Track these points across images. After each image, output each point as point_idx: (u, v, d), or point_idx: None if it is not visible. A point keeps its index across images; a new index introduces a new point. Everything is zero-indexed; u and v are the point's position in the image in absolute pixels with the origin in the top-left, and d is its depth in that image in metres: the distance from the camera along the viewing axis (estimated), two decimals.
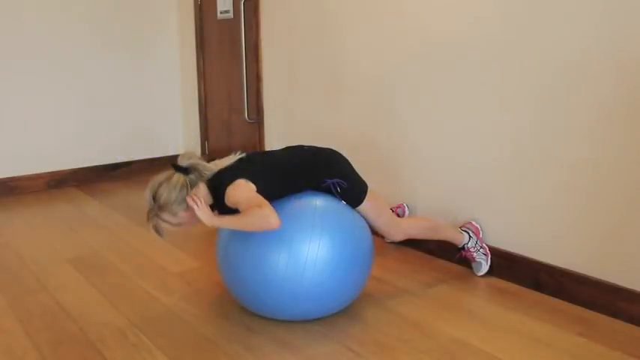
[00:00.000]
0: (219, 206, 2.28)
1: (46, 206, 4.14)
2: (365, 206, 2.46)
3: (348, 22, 3.42)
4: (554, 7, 2.43)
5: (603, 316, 2.38)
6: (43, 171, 4.57)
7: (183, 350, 2.18)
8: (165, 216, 2.24)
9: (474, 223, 2.83)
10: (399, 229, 2.59)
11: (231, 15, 4.43)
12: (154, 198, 2.22)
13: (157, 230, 2.28)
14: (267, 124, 4.20)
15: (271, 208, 2.12)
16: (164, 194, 2.20)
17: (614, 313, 2.36)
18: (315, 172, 2.39)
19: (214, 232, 3.47)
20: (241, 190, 2.18)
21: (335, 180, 2.39)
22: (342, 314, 2.43)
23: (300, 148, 2.50)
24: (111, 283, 2.81)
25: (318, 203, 2.30)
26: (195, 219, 2.25)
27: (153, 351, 2.17)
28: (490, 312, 2.44)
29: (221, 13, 4.54)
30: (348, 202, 2.43)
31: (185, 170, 2.23)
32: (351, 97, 3.48)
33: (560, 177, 2.50)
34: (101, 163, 4.83)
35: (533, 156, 2.59)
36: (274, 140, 4.13)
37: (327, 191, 2.40)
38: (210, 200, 2.29)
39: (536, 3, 2.49)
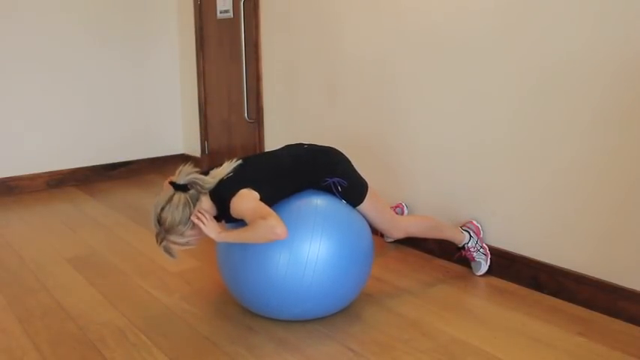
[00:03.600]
0: (225, 216, 2.28)
1: (45, 206, 4.13)
2: (365, 205, 2.46)
3: (347, 21, 3.42)
4: (554, 6, 2.43)
5: (603, 316, 2.38)
6: (42, 171, 4.57)
7: (183, 350, 2.18)
8: (173, 238, 2.23)
9: (474, 222, 2.83)
10: (399, 227, 2.59)
11: (231, 15, 4.43)
12: (159, 222, 2.21)
13: (168, 252, 2.28)
14: (267, 124, 4.20)
15: (277, 217, 2.12)
16: (168, 217, 2.19)
17: (614, 313, 2.36)
18: (316, 171, 2.39)
19: None
20: (246, 201, 2.18)
21: (335, 179, 2.39)
22: (342, 314, 2.43)
23: (300, 146, 2.50)
24: (111, 283, 2.80)
25: (318, 203, 2.30)
26: (202, 234, 2.26)
27: (153, 351, 2.17)
28: (490, 312, 2.44)
29: (221, 12, 4.54)
30: (348, 201, 2.43)
31: (184, 188, 2.22)
32: (350, 96, 3.47)
33: (560, 177, 2.50)
34: (101, 163, 4.83)
35: (532, 156, 2.59)
36: (274, 140, 4.13)
37: (328, 190, 2.40)
38: (214, 212, 2.28)
39: (536, 3, 2.49)
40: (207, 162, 5.02)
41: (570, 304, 2.49)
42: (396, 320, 2.38)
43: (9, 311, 2.51)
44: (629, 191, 2.29)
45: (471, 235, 2.76)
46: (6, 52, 4.31)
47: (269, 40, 4.06)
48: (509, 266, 2.73)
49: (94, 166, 4.79)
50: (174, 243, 2.25)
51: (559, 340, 2.20)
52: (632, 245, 2.31)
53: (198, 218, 2.19)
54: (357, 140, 3.45)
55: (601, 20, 2.29)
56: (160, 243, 2.26)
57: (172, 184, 2.23)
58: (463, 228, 2.80)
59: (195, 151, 5.13)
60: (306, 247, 2.20)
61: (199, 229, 2.22)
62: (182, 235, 2.23)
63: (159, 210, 2.20)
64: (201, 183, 2.22)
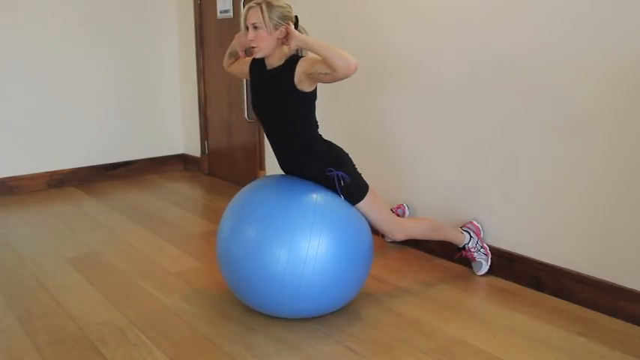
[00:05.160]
0: (284, 74, 2.33)
1: (45, 206, 4.14)
2: (365, 205, 2.46)
3: (347, 21, 3.42)
4: (555, 5, 2.43)
5: (603, 315, 2.38)
6: (43, 171, 4.57)
7: (183, 350, 2.18)
8: (265, 11, 2.30)
9: (475, 222, 2.83)
10: (399, 229, 2.59)
11: (231, 14, 4.43)
12: None
13: (245, 16, 2.35)
14: None
15: None
16: (281, 1, 2.34)
17: (614, 313, 2.36)
18: (327, 157, 2.42)
19: (214, 231, 3.47)
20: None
21: (340, 172, 2.39)
22: (342, 314, 2.43)
23: (321, 136, 2.54)
24: (111, 282, 2.80)
25: (318, 200, 2.30)
26: (270, 43, 2.32)
27: (153, 351, 2.17)
28: (490, 312, 2.44)
29: (221, 12, 4.54)
30: (348, 198, 2.42)
31: (296, 19, 2.38)
32: (350, 96, 3.47)
33: (560, 177, 2.50)
34: (101, 163, 4.83)
35: (533, 156, 2.59)
36: None
37: (330, 183, 2.39)
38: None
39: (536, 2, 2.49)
40: (207, 162, 5.02)
41: (570, 304, 2.49)
42: (396, 320, 2.38)
43: (9, 311, 2.51)
44: (629, 191, 2.29)
45: (471, 236, 2.76)
46: (6, 53, 4.31)
47: None
48: (509, 266, 2.73)
49: (94, 166, 4.80)
50: (259, 13, 2.30)
51: (559, 340, 2.20)
52: (632, 245, 2.30)
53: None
54: (357, 140, 3.44)
55: (598, 18, 2.29)
56: (251, 3, 2.33)
57: (296, 17, 2.38)
58: (463, 228, 2.80)
59: (196, 151, 5.13)
60: (306, 244, 2.20)
61: (275, 37, 2.30)
62: (271, 17, 2.29)
63: None
64: (304, 35, 2.35)
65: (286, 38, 2.32)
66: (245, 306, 2.49)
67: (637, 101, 2.22)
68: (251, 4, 2.33)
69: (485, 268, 2.78)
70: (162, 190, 4.55)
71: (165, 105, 5.14)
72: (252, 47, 2.35)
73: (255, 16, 2.31)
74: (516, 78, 2.60)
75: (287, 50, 2.36)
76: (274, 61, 2.38)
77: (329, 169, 2.38)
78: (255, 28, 2.31)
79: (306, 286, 2.21)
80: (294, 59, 2.33)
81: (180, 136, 5.27)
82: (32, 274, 2.91)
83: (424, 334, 2.27)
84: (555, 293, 2.56)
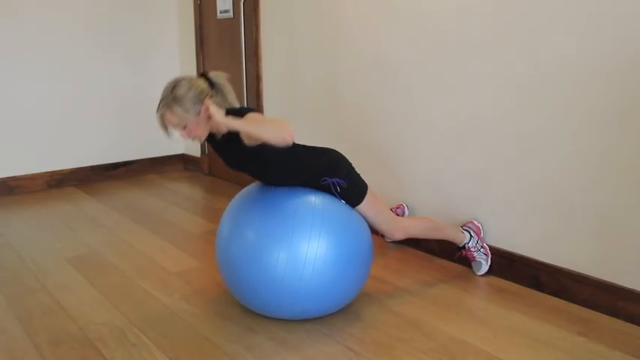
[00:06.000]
0: (233, 141, 2.23)
1: (45, 206, 4.14)
2: (364, 206, 2.46)
3: (347, 22, 3.42)
4: (555, 5, 2.43)
5: (603, 315, 2.38)
6: (43, 171, 4.57)
7: (183, 350, 2.18)
8: (177, 109, 2.17)
9: (475, 222, 2.83)
10: (399, 228, 2.59)
11: (231, 15, 4.43)
12: (173, 88, 2.18)
13: (162, 122, 2.23)
14: None
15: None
16: (184, 88, 2.17)
17: (614, 313, 2.36)
18: (316, 171, 2.38)
19: (214, 231, 3.47)
20: (257, 114, 2.19)
21: (335, 179, 2.38)
22: (342, 314, 2.43)
23: (303, 146, 2.51)
24: (111, 283, 2.81)
25: (317, 202, 2.30)
26: (201, 128, 2.20)
27: (153, 351, 2.17)
28: (490, 312, 2.44)
29: (221, 12, 4.54)
30: (347, 202, 2.43)
31: (212, 83, 2.22)
32: (350, 96, 3.47)
33: (560, 177, 2.50)
34: (101, 163, 4.83)
35: (532, 156, 2.59)
36: None
37: (327, 190, 2.39)
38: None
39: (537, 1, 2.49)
40: (207, 162, 5.02)
41: (570, 304, 2.49)
42: (396, 320, 2.38)
43: (9, 311, 2.51)
44: (629, 191, 2.29)
45: (471, 235, 2.76)
46: (6, 53, 4.31)
47: (269, 40, 4.06)
48: (509, 266, 2.73)
49: (94, 166, 4.80)
50: (174, 114, 2.18)
51: (559, 340, 2.20)
52: (632, 245, 2.31)
53: (210, 104, 2.10)
54: (357, 140, 3.45)
55: (596, 19, 2.29)
56: (160, 109, 2.20)
57: (203, 74, 2.23)
58: (463, 228, 2.80)
59: (196, 151, 5.13)
60: (305, 245, 2.20)
61: (203, 119, 2.18)
62: (186, 111, 2.17)
63: (180, 79, 2.19)
64: (226, 93, 2.22)
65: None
66: (245, 306, 2.49)
67: (637, 101, 2.22)
68: (160, 110, 2.21)
69: (485, 268, 2.78)
70: (162, 190, 4.55)
71: None
72: (192, 139, 2.28)
73: (172, 119, 2.20)
74: (516, 78, 2.60)
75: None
76: (218, 129, 2.24)
77: (323, 179, 2.38)
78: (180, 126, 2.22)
79: (306, 287, 2.21)
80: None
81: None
82: (32, 274, 2.91)
83: (424, 334, 2.27)
84: (555, 293, 2.56)
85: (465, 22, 2.79)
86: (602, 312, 2.40)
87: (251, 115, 2.15)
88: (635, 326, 2.29)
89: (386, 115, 3.27)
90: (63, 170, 4.66)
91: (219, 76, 2.27)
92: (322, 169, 2.38)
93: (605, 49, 2.29)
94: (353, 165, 2.52)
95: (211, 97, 2.23)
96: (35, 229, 3.62)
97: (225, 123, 2.05)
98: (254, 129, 2.06)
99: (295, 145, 2.44)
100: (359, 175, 2.50)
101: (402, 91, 3.16)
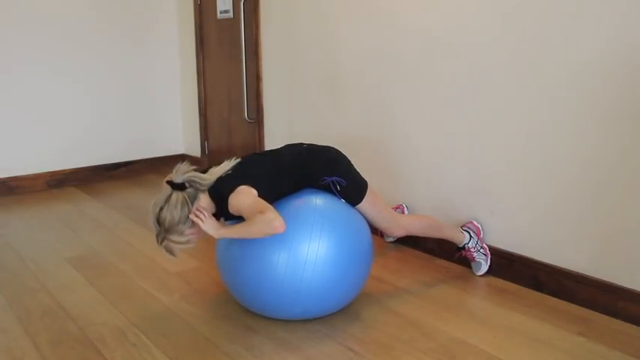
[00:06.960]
0: (224, 213, 2.28)
1: (46, 206, 4.14)
2: (364, 204, 2.46)
3: (347, 22, 3.42)
4: (555, 5, 2.43)
5: (603, 315, 2.38)
6: (43, 171, 4.57)
7: (183, 350, 2.18)
8: (174, 237, 2.23)
9: (475, 222, 2.83)
10: (399, 225, 2.60)
11: (231, 15, 4.43)
12: (159, 222, 2.20)
13: (170, 251, 2.27)
14: (267, 124, 4.20)
15: (275, 211, 2.12)
16: (167, 217, 2.18)
17: (614, 313, 2.36)
18: (315, 170, 2.38)
19: None
20: (244, 197, 2.18)
21: (334, 178, 2.39)
22: (342, 314, 2.43)
23: (300, 145, 2.51)
24: (111, 283, 2.81)
25: (318, 202, 2.30)
26: (202, 233, 2.26)
27: (153, 351, 2.18)
28: (490, 312, 2.44)
29: (221, 12, 4.54)
30: (347, 201, 2.43)
31: (182, 186, 2.21)
32: (350, 96, 3.48)
33: (560, 177, 2.50)
34: (101, 163, 4.83)
35: (532, 156, 2.59)
36: (274, 140, 4.13)
37: (327, 189, 2.40)
38: (213, 209, 2.28)
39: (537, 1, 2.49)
40: (207, 162, 5.02)
41: (570, 304, 2.49)
42: (396, 320, 2.38)
43: (9, 311, 2.51)
44: (629, 191, 2.29)
45: (471, 235, 2.76)
46: (6, 53, 4.31)
47: (269, 40, 4.06)
48: (509, 266, 2.73)
49: (94, 167, 4.80)
50: (175, 242, 2.25)
51: (559, 340, 2.20)
52: (632, 245, 2.31)
53: (197, 216, 2.19)
54: (357, 140, 3.45)
55: (610, 23, 2.29)
56: (161, 243, 2.25)
57: (170, 183, 2.23)
58: (463, 228, 2.80)
59: (196, 151, 5.13)
60: (306, 246, 2.20)
61: (199, 227, 2.22)
62: (182, 234, 2.23)
63: (157, 210, 2.20)
64: (199, 181, 2.23)
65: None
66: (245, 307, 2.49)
67: (636, 104, 2.22)
68: (162, 244, 2.25)
69: (484, 268, 2.78)
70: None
71: (165, 105, 5.14)
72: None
73: (176, 245, 2.26)
74: (516, 78, 2.61)
75: (206, 201, 2.27)
76: (214, 210, 2.31)
77: (322, 179, 2.38)
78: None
79: (306, 288, 2.21)
80: (221, 200, 2.25)
81: (181, 136, 5.27)
82: (32, 274, 2.91)
83: (424, 334, 2.27)
84: (555, 293, 2.56)
85: (468, 24, 2.79)
86: (601, 312, 2.40)
87: (237, 205, 2.19)
88: (635, 326, 2.29)
89: (386, 115, 3.27)
90: (63, 170, 4.66)
91: (182, 171, 2.24)
92: (322, 169, 2.39)
93: (606, 50, 2.28)
94: (352, 163, 2.52)
95: (192, 201, 2.21)
96: (35, 229, 3.62)
97: (221, 234, 2.22)
98: (244, 235, 2.19)
99: (295, 148, 2.44)
100: (358, 172, 2.50)
101: (402, 91, 3.16)
